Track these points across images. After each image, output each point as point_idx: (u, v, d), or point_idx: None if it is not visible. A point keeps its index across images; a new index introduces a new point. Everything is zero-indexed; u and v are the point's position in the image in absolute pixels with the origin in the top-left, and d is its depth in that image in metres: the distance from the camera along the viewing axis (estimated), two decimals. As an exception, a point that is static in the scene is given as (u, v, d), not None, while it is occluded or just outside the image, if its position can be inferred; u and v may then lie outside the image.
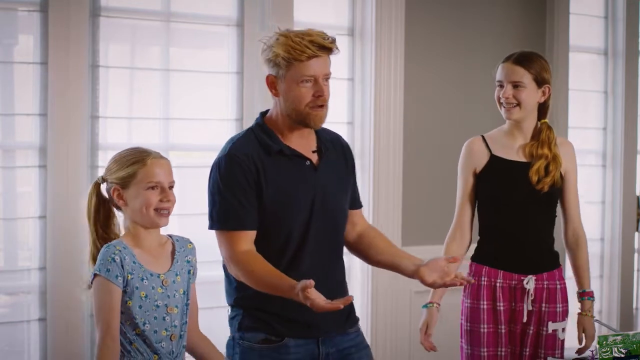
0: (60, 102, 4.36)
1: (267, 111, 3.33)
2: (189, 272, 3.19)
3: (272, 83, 3.23)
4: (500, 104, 3.88)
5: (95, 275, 3.00)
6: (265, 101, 4.85)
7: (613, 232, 6.39)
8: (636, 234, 6.49)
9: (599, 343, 3.23)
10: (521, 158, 3.91)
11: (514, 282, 3.89)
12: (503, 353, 3.89)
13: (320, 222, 3.27)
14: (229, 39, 4.92)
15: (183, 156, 4.91)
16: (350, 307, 3.41)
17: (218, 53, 4.96)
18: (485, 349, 3.87)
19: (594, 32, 6.38)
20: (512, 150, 3.92)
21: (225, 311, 4.91)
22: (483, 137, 3.96)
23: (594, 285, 6.30)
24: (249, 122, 4.83)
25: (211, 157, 4.89)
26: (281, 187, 3.22)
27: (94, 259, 3.08)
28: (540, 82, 3.86)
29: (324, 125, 3.33)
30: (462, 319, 3.95)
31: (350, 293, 3.37)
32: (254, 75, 4.88)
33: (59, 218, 4.34)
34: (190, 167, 4.91)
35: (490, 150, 3.92)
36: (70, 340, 4.37)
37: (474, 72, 5.53)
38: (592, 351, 3.44)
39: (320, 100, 3.18)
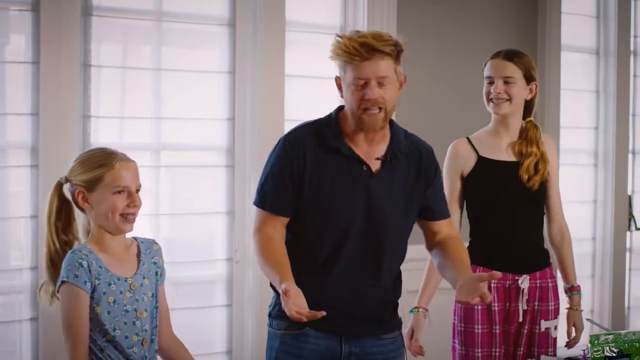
0: (52, 101, 4.35)
1: (344, 106, 3.32)
2: (156, 273, 3.10)
3: (338, 85, 3.26)
4: (489, 100, 3.89)
5: (62, 282, 2.92)
6: (256, 100, 4.86)
7: (605, 231, 6.39)
8: (628, 233, 6.50)
9: (590, 342, 3.23)
10: (509, 157, 3.91)
11: (508, 282, 3.88)
12: (497, 353, 3.88)
13: (363, 228, 3.24)
14: (221, 38, 4.91)
15: (175, 156, 4.90)
16: (384, 314, 3.37)
17: (210, 53, 4.96)
18: (479, 350, 3.86)
19: (586, 32, 6.39)
20: (499, 150, 3.92)
21: (216, 311, 4.94)
22: (468, 138, 3.95)
23: (586, 285, 6.33)
24: (241, 122, 4.88)
25: (203, 157, 4.95)
26: (328, 185, 3.22)
27: (52, 262, 3.01)
28: (529, 78, 3.88)
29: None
30: (455, 320, 3.94)
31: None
32: (245, 74, 4.88)
33: (50, 218, 4.33)
34: (182, 166, 4.90)
35: (477, 152, 3.92)
36: (61, 340, 4.36)
37: (466, 72, 5.52)
38: (584, 350, 3.44)
39: (367, 104, 3.16)
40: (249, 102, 4.88)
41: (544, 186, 3.93)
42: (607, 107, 6.37)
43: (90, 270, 2.91)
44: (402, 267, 3.42)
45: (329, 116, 3.31)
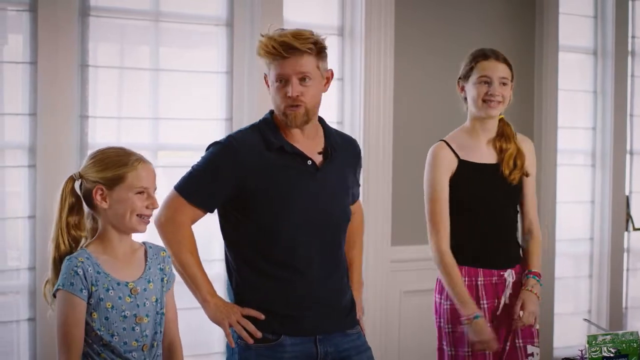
0: (49, 101, 4.35)
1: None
2: (162, 280, 3.09)
3: (267, 83, 3.31)
4: (484, 101, 3.88)
5: (58, 289, 2.91)
6: (254, 101, 4.85)
7: (602, 231, 6.39)
8: (625, 233, 6.50)
9: (588, 343, 3.23)
10: (488, 157, 3.92)
11: (494, 278, 3.89)
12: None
13: (316, 221, 3.29)
14: (219, 38, 4.91)
15: (172, 156, 4.91)
16: (349, 307, 3.43)
17: (207, 53, 4.96)
18: (469, 349, 3.83)
19: (584, 32, 6.39)
20: (478, 151, 3.92)
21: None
22: (445, 142, 3.93)
23: (583, 285, 6.34)
24: (238, 122, 4.87)
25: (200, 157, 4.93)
26: (277, 183, 3.25)
27: (60, 259, 2.96)
28: (513, 78, 3.93)
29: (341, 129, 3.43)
30: (440, 321, 3.92)
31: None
32: (243, 75, 4.88)
33: (48, 218, 4.31)
34: (179, 167, 4.88)
35: (457, 156, 3.90)
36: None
37: (463, 71, 5.53)
38: (581, 350, 3.44)
39: (289, 101, 3.22)
40: (246, 103, 4.88)
41: (521, 182, 3.94)
42: (605, 107, 6.38)
43: (85, 278, 2.90)
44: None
45: (265, 119, 3.37)
